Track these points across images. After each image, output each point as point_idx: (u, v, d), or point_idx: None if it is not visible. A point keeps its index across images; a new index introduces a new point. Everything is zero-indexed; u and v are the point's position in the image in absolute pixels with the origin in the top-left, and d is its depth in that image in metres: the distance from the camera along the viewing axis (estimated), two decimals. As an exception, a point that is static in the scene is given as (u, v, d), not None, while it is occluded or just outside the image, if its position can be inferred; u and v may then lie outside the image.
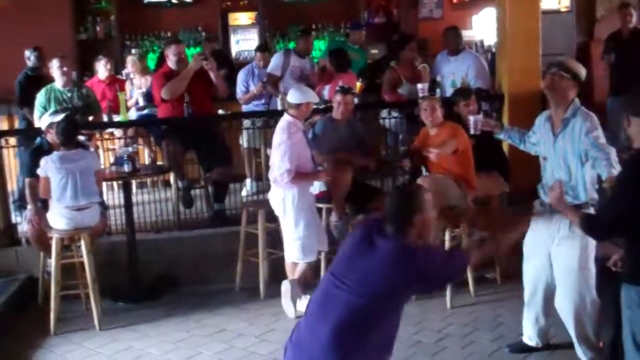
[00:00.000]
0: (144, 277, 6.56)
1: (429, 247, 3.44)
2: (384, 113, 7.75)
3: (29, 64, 8.14)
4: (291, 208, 5.86)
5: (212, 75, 7.19)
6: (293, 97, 5.91)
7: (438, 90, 7.42)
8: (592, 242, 4.42)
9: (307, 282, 5.93)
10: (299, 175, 5.81)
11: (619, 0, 10.65)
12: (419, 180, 5.90)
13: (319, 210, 6.34)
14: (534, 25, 6.90)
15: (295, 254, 5.93)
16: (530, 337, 4.93)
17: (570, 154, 4.38)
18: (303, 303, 5.79)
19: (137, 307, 6.34)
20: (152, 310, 6.26)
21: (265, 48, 9.13)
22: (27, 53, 8.15)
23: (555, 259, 4.55)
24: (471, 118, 5.02)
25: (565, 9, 11.02)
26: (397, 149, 7.92)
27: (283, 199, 5.86)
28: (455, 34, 7.91)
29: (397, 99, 7.89)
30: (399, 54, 8.18)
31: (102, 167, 6.75)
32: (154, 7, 11.67)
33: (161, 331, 5.82)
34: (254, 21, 11.92)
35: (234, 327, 5.77)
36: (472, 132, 5.00)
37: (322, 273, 5.91)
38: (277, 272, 6.26)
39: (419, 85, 7.31)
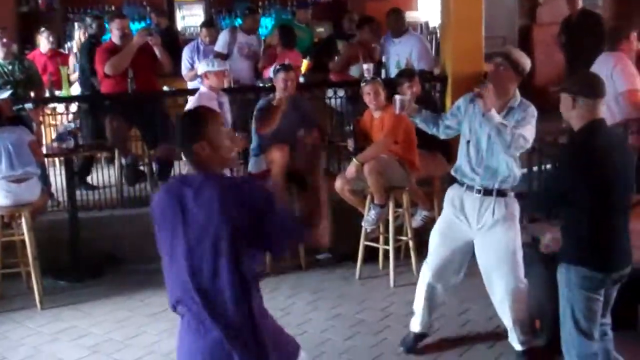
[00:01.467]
0: (86, 255, 6.52)
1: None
2: (330, 93, 7.79)
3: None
4: None
5: (156, 50, 7.13)
6: (199, 68, 6.15)
7: (383, 72, 7.48)
8: (518, 226, 4.51)
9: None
10: None
11: (560, -15, 10.88)
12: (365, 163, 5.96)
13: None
14: (477, 7, 6.99)
15: None
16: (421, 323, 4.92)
17: (497, 142, 4.33)
18: None
19: (79, 286, 6.30)
20: (95, 289, 6.23)
21: (210, 24, 9.06)
22: None
23: (483, 247, 4.54)
24: (397, 98, 4.97)
25: (510, -9, 11.17)
26: (342, 129, 7.97)
27: None
28: (398, 16, 7.97)
29: (343, 78, 7.93)
30: (358, 34, 8.21)
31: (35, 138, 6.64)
32: (98, -20, 11.47)
33: (104, 310, 5.80)
34: (200, -2, 11.83)
35: (178, 305, 5.77)
36: (397, 112, 4.97)
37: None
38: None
39: (365, 66, 7.36)
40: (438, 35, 8.72)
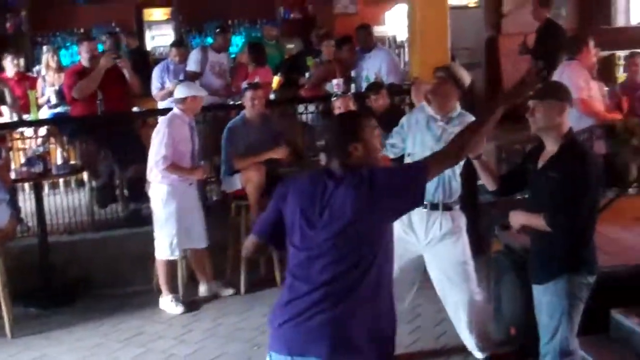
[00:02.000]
0: (57, 281, 6.44)
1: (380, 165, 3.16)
2: (301, 108, 7.81)
3: None
4: (161, 204, 5.95)
5: (125, 73, 7.11)
6: (178, 91, 6.06)
7: (353, 86, 7.52)
8: (465, 238, 4.56)
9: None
10: (175, 166, 5.87)
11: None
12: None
13: (239, 207, 6.37)
14: (443, 20, 7.05)
15: (163, 251, 5.99)
16: None
17: None
18: (169, 304, 5.92)
19: (50, 313, 6.19)
20: (66, 315, 6.13)
21: (180, 43, 9.05)
22: None
23: (433, 261, 4.59)
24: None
25: (474, 4, 11.30)
26: (314, 144, 7.98)
27: (155, 193, 5.97)
28: (367, 32, 8.04)
29: (314, 94, 7.96)
30: (337, 52, 8.26)
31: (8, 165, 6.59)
32: (66, 3, 11.42)
33: (76, 337, 5.70)
34: (169, 17, 11.81)
35: (152, 329, 5.70)
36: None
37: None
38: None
39: (334, 81, 7.41)
40: (406, 48, 8.78)
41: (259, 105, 6.39)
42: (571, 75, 6.08)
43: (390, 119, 6.16)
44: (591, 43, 6.39)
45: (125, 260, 6.60)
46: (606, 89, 7.18)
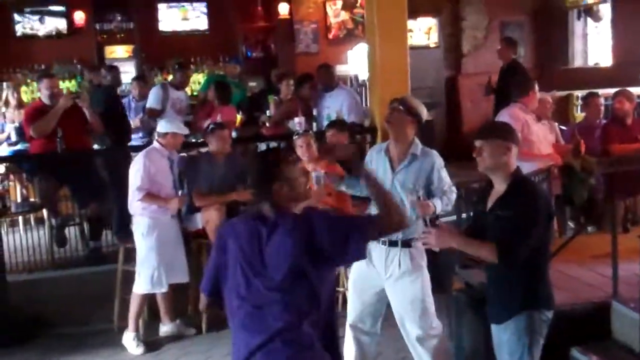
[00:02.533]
0: (16, 320, 6.30)
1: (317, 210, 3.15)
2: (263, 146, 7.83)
3: None
4: (142, 237, 5.90)
5: (86, 112, 7.08)
6: (160, 126, 6.13)
7: (314, 124, 7.58)
8: (425, 274, 4.58)
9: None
10: (150, 196, 5.87)
11: (482, 39, 11.30)
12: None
13: (200, 245, 6.34)
14: (403, 60, 7.16)
15: (144, 285, 5.92)
16: None
17: (407, 189, 4.46)
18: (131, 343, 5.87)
19: (8, 352, 6.07)
20: (25, 355, 5.99)
21: (141, 78, 9.07)
22: None
23: (392, 296, 4.59)
24: (312, 174, 5.11)
25: (434, 45, 11.53)
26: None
27: (137, 226, 5.93)
28: (328, 71, 8.12)
29: (275, 132, 8.00)
30: (298, 90, 8.32)
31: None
32: (27, 39, 11.37)
33: (35, 377, 5.61)
34: (131, 54, 11.82)
35: (112, 369, 5.64)
36: (314, 187, 5.10)
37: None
38: (156, 309, 6.19)
39: (296, 119, 7.45)
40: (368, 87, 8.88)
41: (226, 144, 6.42)
42: (509, 119, 6.20)
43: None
44: (534, 89, 6.58)
45: (85, 299, 6.51)
46: (564, 128, 7.34)
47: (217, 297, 3.11)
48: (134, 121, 8.24)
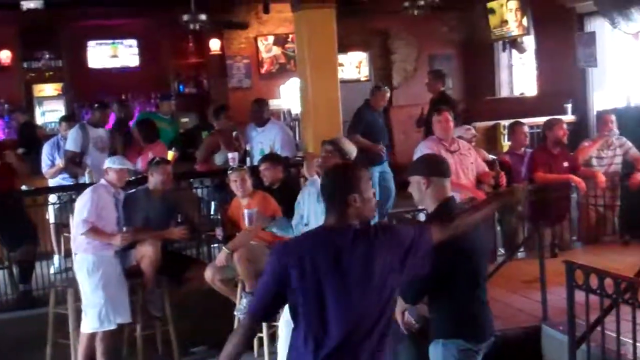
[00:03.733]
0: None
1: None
2: (197, 183, 7.81)
3: None
4: (87, 275, 5.82)
5: (11, 158, 6.97)
6: (106, 162, 6.18)
7: (248, 160, 7.59)
8: None
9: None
10: (95, 230, 5.83)
11: (412, 71, 11.55)
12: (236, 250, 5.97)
13: (134, 284, 6.26)
14: (334, 94, 7.28)
15: (91, 323, 5.81)
16: None
17: None
18: None
19: None
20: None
21: (70, 118, 8.92)
22: None
23: None
24: (246, 212, 5.15)
25: (365, 78, 11.72)
26: (210, 218, 7.97)
27: (80, 264, 5.85)
28: (261, 106, 8.16)
29: (209, 168, 7.98)
30: (215, 123, 8.29)
31: None
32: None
33: None
34: (60, 92, 11.65)
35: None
36: (247, 225, 5.13)
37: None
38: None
39: (230, 155, 7.45)
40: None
41: (168, 180, 6.40)
42: (424, 150, 6.29)
43: (286, 191, 6.28)
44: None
45: (16, 344, 6.33)
46: (492, 157, 7.51)
47: (263, 321, 3.15)
48: (60, 162, 8.04)
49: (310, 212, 4.72)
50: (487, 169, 6.54)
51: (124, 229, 6.03)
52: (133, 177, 6.99)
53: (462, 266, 3.68)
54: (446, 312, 3.76)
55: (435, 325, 3.80)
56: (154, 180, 6.35)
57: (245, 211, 5.14)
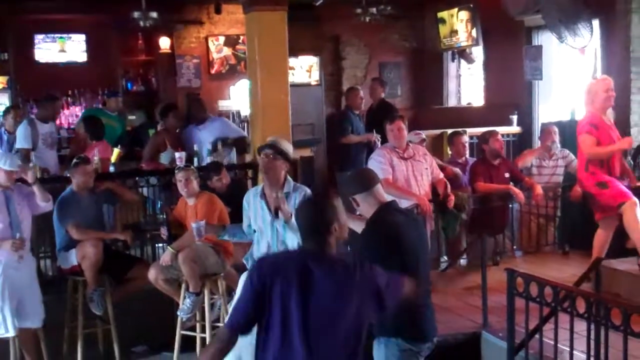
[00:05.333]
0: None
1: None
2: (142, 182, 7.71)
3: None
4: None
5: None
6: None
7: (196, 159, 7.54)
8: None
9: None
10: None
11: (362, 78, 11.64)
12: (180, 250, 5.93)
13: (75, 283, 6.17)
14: (284, 97, 7.27)
15: None
16: None
17: (291, 228, 4.58)
18: None
19: None
20: None
21: (14, 109, 8.72)
22: None
23: None
24: (193, 225, 5.15)
25: (315, 83, 11.75)
26: (155, 217, 7.90)
27: None
28: (198, 104, 8.19)
29: (155, 167, 7.90)
30: (163, 121, 8.22)
31: None
32: None
33: None
34: (5, 85, 11.40)
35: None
36: (196, 239, 5.13)
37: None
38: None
39: (177, 154, 7.38)
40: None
41: (90, 180, 6.33)
42: (376, 158, 6.40)
43: (233, 195, 6.26)
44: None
45: None
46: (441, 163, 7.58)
47: (241, 333, 3.07)
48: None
49: (257, 216, 4.72)
50: (441, 176, 6.63)
51: (18, 235, 5.79)
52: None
53: (402, 267, 3.75)
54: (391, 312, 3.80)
55: (377, 323, 3.80)
56: (76, 181, 6.28)
57: (193, 224, 5.13)
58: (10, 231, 5.79)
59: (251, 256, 4.79)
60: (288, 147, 4.74)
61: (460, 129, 8.29)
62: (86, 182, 6.27)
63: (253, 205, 4.77)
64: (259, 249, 4.79)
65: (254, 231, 4.86)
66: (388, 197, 4.00)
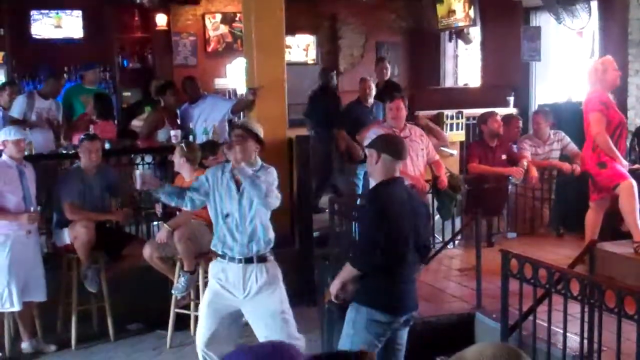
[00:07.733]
0: None
1: None
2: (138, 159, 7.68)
3: None
4: None
5: None
6: (1, 134, 5.95)
7: (191, 137, 7.51)
8: (282, 287, 4.69)
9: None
10: None
11: (359, 57, 11.60)
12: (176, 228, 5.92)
13: (70, 260, 6.17)
14: (280, 76, 7.23)
15: None
16: None
17: (254, 207, 4.59)
18: None
19: None
20: None
21: (10, 85, 8.67)
22: None
23: (251, 314, 4.68)
24: (136, 173, 5.08)
25: (312, 62, 11.72)
26: (150, 195, 7.86)
27: None
28: (192, 83, 8.15)
29: (151, 144, 7.87)
30: (161, 99, 8.19)
31: None
32: None
33: None
34: (1, 62, 11.33)
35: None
36: (138, 187, 5.05)
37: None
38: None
39: (172, 132, 7.36)
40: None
41: (96, 157, 6.28)
42: (370, 136, 6.38)
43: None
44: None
45: None
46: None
47: None
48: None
49: (223, 197, 4.63)
50: (437, 157, 6.62)
51: (32, 208, 5.86)
52: (72, 151, 6.88)
53: (397, 239, 3.83)
54: (365, 280, 3.93)
55: (357, 291, 3.98)
56: (83, 158, 6.26)
57: (137, 172, 5.05)
58: (24, 205, 5.82)
59: (219, 240, 4.73)
60: (258, 128, 4.74)
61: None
62: (91, 159, 6.25)
63: (220, 181, 4.67)
64: (221, 231, 4.69)
65: (225, 217, 4.71)
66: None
